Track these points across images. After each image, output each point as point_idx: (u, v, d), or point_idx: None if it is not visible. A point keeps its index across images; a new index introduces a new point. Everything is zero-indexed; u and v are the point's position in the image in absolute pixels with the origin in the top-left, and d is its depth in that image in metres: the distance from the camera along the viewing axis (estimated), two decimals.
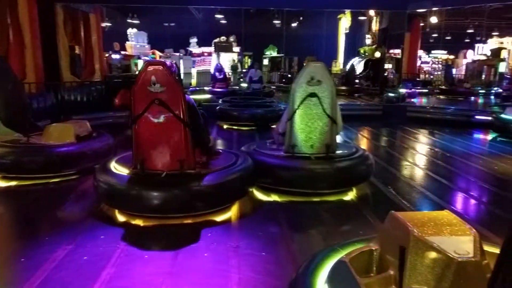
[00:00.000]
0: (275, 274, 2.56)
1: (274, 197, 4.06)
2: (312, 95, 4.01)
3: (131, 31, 20.21)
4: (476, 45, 22.93)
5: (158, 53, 19.82)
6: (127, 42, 19.79)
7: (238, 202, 3.77)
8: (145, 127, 3.45)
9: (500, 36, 21.90)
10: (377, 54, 18.23)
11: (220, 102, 10.19)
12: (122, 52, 17.71)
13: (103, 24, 15.72)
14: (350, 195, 4.20)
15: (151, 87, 3.32)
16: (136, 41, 19.88)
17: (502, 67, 17.39)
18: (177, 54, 18.73)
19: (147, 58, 16.30)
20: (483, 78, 17.10)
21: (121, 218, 3.47)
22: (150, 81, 3.31)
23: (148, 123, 3.43)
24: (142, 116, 3.41)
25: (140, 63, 15.77)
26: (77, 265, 2.64)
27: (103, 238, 3.05)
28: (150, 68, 3.34)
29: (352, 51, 21.90)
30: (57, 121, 5.30)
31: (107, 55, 15.24)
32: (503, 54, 19.03)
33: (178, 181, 3.38)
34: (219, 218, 3.50)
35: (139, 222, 3.36)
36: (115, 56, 16.40)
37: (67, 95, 9.13)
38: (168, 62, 3.98)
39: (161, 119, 3.40)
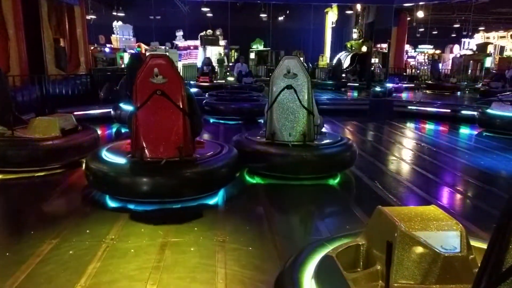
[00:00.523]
0: (261, 269, 2.56)
1: (257, 180, 4.25)
2: (289, 87, 4.35)
3: (116, 24, 19.92)
4: (463, 40, 23.21)
5: (143, 46, 19.59)
6: (112, 35, 19.51)
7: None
8: (146, 117, 3.60)
9: (487, 31, 22.21)
10: (364, 49, 18.33)
11: (206, 96, 10.13)
12: (108, 45, 17.46)
13: (88, 17, 15.45)
14: (337, 190, 4.22)
15: (154, 79, 3.52)
16: (121, 34, 19.61)
17: (488, 62, 17.65)
18: (163, 47, 18.52)
19: (132, 51, 16.10)
20: (469, 73, 17.33)
21: (107, 212, 3.43)
22: (153, 73, 3.50)
23: (149, 113, 3.59)
24: (143, 106, 3.56)
25: (126, 56, 15.56)
26: (62, 259, 2.61)
27: (89, 233, 3.01)
28: (154, 61, 3.53)
29: (339, 45, 21.96)
30: (42, 115, 5.21)
31: (92, 48, 15.00)
32: (489, 49, 19.31)
33: (179, 168, 3.55)
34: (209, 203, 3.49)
35: (125, 216, 3.33)
36: (106, 49, 16.17)
37: (52, 88, 8.98)
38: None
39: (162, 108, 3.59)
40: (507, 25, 21.84)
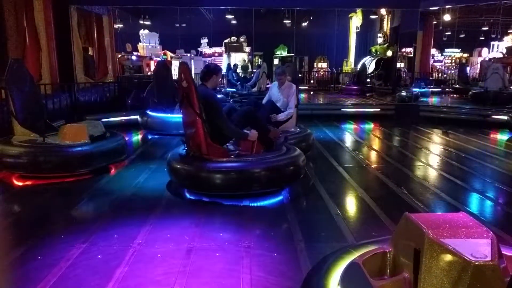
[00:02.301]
0: (287, 275, 2.56)
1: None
2: None
3: (142, 32, 20.38)
4: (491, 43, 22.51)
5: (169, 53, 19.96)
6: (139, 43, 19.96)
7: None
8: (183, 117, 4.18)
9: None
10: (389, 53, 18.07)
11: (231, 102, 10.23)
12: (135, 53, 17.88)
13: (116, 26, 15.88)
14: (362, 196, 4.17)
15: (183, 83, 3.89)
16: (147, 42, 20.04)
17: None
18: (188, 54, 18.83)
19: (158, 59, 16.43)
20: None
21: (134, 217, 3.51)
22: (182, 77, 3.91)
23: (184, 114, 4.14)
24: (181, 107, 4.10)
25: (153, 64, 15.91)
26: (91, 263, 2.68)
27: (117, 237, 3.08)
28: (181, 67, 3.99)
29: (363, 50, 21.73)
30: (72, 122, 5.39)
31: (119, 56, 15.40)
32: None
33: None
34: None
35: (151, 221, 3.39)
36: (133, 57, 16.56)
37: (81, 95, 9.27)
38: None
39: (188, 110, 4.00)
40: None
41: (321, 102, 13.77)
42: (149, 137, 7.58)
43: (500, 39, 22.19)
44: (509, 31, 22.45)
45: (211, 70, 4.20)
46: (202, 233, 3.20)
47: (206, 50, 20.07)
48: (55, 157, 4.64)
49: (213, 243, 3.01)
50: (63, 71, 9.37)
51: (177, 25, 22.42)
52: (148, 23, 20.41)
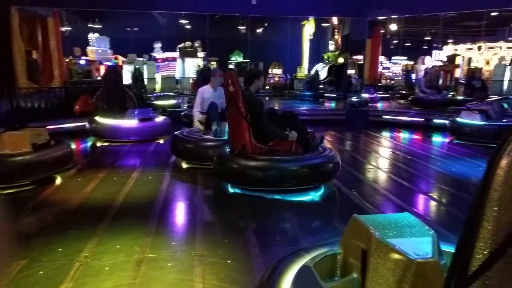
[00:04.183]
0: (241, 282, 2.53)
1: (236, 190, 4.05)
2: None
3: (92, 36, 19.69)
4: (433, 51, 23.98)
5: (121, 58, 19.41)
6: (88, 47, 19.26)
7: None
8: (229, 118, 4.54)
9: (455, 43, 23.01)
10: (340, 60, 18.70)
11: (185, 107, 10.09)
12: (83, 58, 17.21)
13: (63, 29, 15.22)
14: (315, 198, 4.25)
15: (229, 87, 4.27)
16: (98, 46, 19.38)
17: (457, 73, 18.26)
18: (141, 59, 18.40)
19: (109, 63, 15.92)
20: (440, 83, 17.86)
21: (81, 230, 3.33)
22: (228, 83, 4.29)
23: (229, 115, 4.51)
24: (227, 109, 4.51)
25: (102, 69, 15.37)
26: (31, 280, 2.50)
27: (61, 251, 2.91)
28: (228, 73, 4.51)
29: (316, 57, 22.34)
30: (12, 129, 5.05)
31: (67, 60, 14.75)
32: (458, 60, 20.01)
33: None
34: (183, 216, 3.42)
35: (100, 233, 3.24)
36: (81, 62, 15.91)
37: (24, 101, 8.75)
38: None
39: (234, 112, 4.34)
40: (474, 37, 22.72)
41: (276, 107, 13.92)
42: (98, 144, 7.29)
43: (441, 48, 23.69)
44: (448, 40, 24.03)
45: (253, 75, 4.63)
46: (153, 243, 3.09)
47: (159, 54, 19.70)
48: None
49: (165, 253, 2.92)
50: (3, 75, 8.81)
51: (129, 28, 21.89)
52: (98, 26, 19.76)
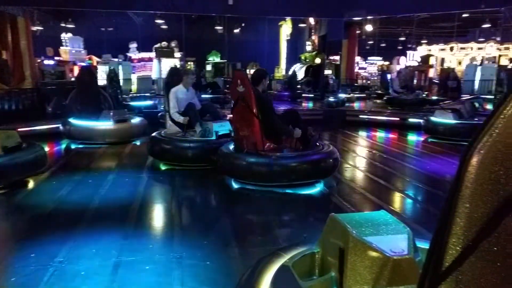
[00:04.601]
0: (220, 283, 2.52)
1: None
2: None
3: (65, 36, 19.21)
4: (408, 52, 24.51)
5: (95, 58, 19.02)
6: (61, 47, 18.78)
7: None
8: (235, 118, 4.68)
9: (429, 44, 23.59)
10: (317, 61, 18.86)
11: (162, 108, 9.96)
12: (56, 58, 16.77)
13: (34, 28, 14.79)
14: (294, 199, 4.27)
15: (239, 88, 4.35)
16: (71, 46, 18.93)
17: (431, 73, 18.72)
18: (116, 59, 18.05)
19: (83, 64, 15.57)
20: (414, 83, 18.27)
21: (55, 234, 3.24)
22: (237, 83, 4.38)
23: (236, 114, 4.63)
24: (234, 109, 4.62)
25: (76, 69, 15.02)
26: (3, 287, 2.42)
27: (34, 256, 2.82)
28: (237, 73, 4.65)
29: (293, 57, 22.45)
30: None
31: (39, 60, 14.35)
32: (431, 60, 20.51)
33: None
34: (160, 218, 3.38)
35: (76, 237, 3.16)
36: (49, 62, 15.47)
37: None
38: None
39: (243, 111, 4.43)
40: (447, 38, 23.36)
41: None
42: (73, 146, 7.12)
43: (415, 49, 24.24)
44: (422, 41, 24.62)
45: (261, 75, 4.73)
46: (131, 246, 3.04)
47: (135, 55, 19.39)
48: None
49: (143, 256, 2.88)
50: None
51: (103, 28, 21.46)
52: (71, 26, 19.29)
